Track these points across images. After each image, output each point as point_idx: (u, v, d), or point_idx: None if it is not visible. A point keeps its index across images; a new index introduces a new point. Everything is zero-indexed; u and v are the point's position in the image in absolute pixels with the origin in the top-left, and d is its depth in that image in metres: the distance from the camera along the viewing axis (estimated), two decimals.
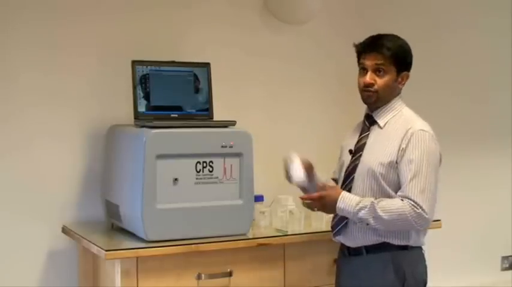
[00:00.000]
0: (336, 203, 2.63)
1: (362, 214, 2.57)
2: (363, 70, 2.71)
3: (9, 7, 3.05)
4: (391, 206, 2.55)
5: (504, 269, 4.38)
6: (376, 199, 2.60)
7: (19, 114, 3.09)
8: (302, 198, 2.73)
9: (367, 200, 2.59)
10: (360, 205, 2.58)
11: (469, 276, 4.06)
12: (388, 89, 2.68)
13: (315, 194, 2.68)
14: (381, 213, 2.54)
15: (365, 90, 2.69)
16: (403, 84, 2.73)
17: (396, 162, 2.61)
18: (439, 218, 3.21)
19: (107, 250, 2.65)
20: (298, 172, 2.73)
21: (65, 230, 3.09)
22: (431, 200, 2.57)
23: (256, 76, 3.55)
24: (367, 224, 2.59)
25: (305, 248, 3.00)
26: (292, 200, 3.19)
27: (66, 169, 3.17)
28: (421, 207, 2.53)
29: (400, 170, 2.60)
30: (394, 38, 2.71)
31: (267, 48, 3.57)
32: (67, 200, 3.17)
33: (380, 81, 2.67)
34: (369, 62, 2.68)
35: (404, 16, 3.91)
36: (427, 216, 2.54)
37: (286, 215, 3.11)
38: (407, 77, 2.72)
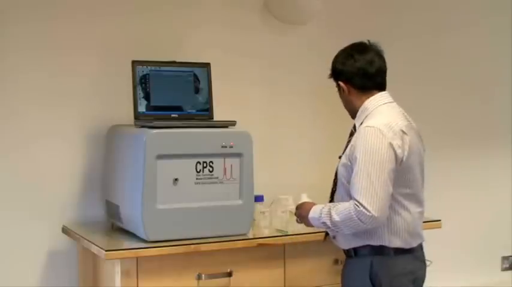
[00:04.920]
0: (308, 214, 2.68)
1: (322, 218, 2.60)
2: None
3: (9, 7, 3.05)
4: (341, 207, 2.56)
5: (504, 269, 4.38)
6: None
7: (19, 114, 3.09)
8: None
9: (328, 205, 2.64)
10: (322, 210, 2.62)
11: (469, 276, 4.06)
12: (343, 101, 2.76)
13: (298, 204, 2.80)
14: (334, 215, 2.56)
15: None
16: (348, 91, 2.69)
17: (350, 162, 2.61)
18: (439, 218, 3.22)
19: (107, 250, 2.65)
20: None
21: (65, 230, 3.09)
22: (375, 197, 2.49)
23: (257, 76, 3.55)
24: (333, 229, 2.62)
25: (305, 248, 3.00)
26: (292, 201, 3.19)
27: (66, 169, 3.17)
28: (362, 205, 2.48)
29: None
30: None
31: (267, 48, 3.57)
32: (67, 200, 3.17)
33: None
34: None
35: (404, 16, 3.91)
36: (369, 213, 2.48)
37: (286, 215, 3.11)
38: (344, 84, 2.70)
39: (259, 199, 3.07)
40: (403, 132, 2.59)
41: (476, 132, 4.21)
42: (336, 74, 2.73)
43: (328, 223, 2.58)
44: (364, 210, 2.48)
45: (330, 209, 2.59)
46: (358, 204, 2.49)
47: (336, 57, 2.75)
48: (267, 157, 3.40)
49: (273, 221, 3.13)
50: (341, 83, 2.71)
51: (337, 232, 2.64)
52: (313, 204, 2.72)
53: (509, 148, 4.35)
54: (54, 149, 3.15)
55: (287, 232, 3.01)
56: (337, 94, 2.82)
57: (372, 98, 2.69)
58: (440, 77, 4.07)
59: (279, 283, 2.96)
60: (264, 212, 3.10)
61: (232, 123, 2.91)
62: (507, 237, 4.33)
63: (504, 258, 4.38)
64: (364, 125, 2.60)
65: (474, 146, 4.19)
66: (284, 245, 2.97)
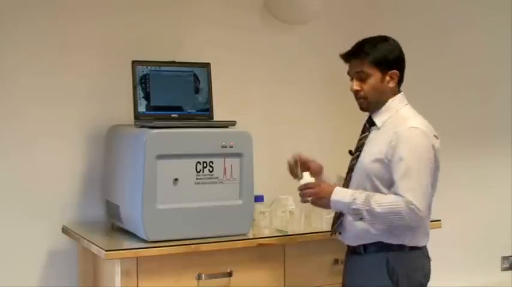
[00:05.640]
0: (330, 194, 2.63)
1: (356, 205, 2.57)
2: (351, 79, 2.74)
3: (9, 7, 3.05)
4: (385, 199, 2.55)
5: (504, 269, 4.39)
6: None
7: (19, 114, 3.09)
8: (300, 188, 2.72)
9: (362, 192, 2.61)
10: (355, 195, 2.59)
11: (469, 276, 4.06)
12: (377, 91, 2.69)
13: (312, 183, 2.71)
14: (374, 205, 2.54)
15: (356, 98, 2.73)
16: (395, 82, 2.70)
17: (387, 159, 2.61)
18: (439, 218, 3.21)
19: (107, 250, 2.65)
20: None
21: (65, 230, 3.09)
22: (424, 197, 2.54)
23: (257, 76, 3.55)
24: (361, 218, 2.59)
25: (305, 248, 3.00)
26: (292, 200, 3.19)
27: (66, 169, 3.17)
28: (413, 204, 2.51)
29: (392, 168, 2.59)
30: (375, 40, 2.71)
31: (267, 48, 3.57)
32: (67, 200, 3.17)
33: (365, 87, 2.69)
34: (350, 71, 2.73)
35: (404, 16, 3.91)
36: (420, 213, 2.52)
37: (286, 215, 3.11)
38: (397, 74, 2.70)
39: (259, 199, 3.07)
40: (435, 136, 2.66)
41: (476, 132, 4.21)
42: (393, 62, 2.70)
43: (364, 211, 2.55)
44: (416, 210, 2.51)
45: (367, 197, 2.57)
46: (410, 202, 2.51)
47: (389, 44, 2.71)
48: (267, 157, 3.40)
49: (273, 221, 3.13)
50: (395, 72, 2.69)
51: (360, 219, 2.59)
52: (331, 185, 2.69)
53: (509, 148, 4.35)
54: (54, 149, 3.15)
55: (287, 232, 3.01)
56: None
57: (395, 97, 2.72)
58: (440, 77, 4.07)
59: (279, 283, 2.96)
60: (264, 212, 3.10)
61: (232, 123, 2.91)
62: (507, 237, 4.33)
63: (504, 258, 4.38)
64: (407, 125, 2.61)
65: (474, 146, 4.19)
66: (284, 245, 2.96)
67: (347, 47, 2.76)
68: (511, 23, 4.31)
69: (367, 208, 2.55)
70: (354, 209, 2.58)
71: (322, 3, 3.59)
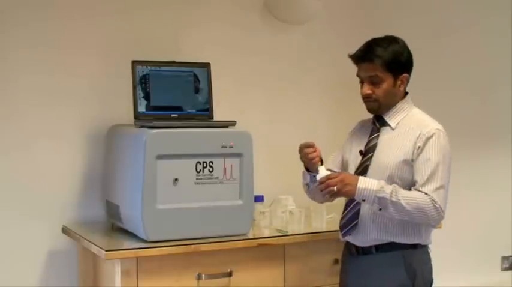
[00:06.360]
0: (356, 181, 2.59)
1: (384, 193, 2.55)
2: (361, 81, 2.72)
3: (9, 7, 3.05)
4: (412, 194, 2.57)
5: (504, 269, 4.39)
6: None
7: (19, 115, 3.09)
8: (321, 181, 2.63)
9: (387, 183, 2.59)
10: (381, 184, 2.58)
11: (469, 276, 4.06)
12: (389, 95, 2.69)
13: (333, 173, 2.66)
14: (401, 198, 2.55)
15: (366, 101, 2.71)
16: (404, 86, 2.72)
17: (412, 160, 2.62)
18: None
19: (107, 250, 2.65)
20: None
21: (65, 230, 3.09)
22: (446, 199, 2.60)
23: (257, 76, 3.55)
24: (380, 209, 2.58)
25: (305, 248, 3.00)
26: (292, 200, 3.20)
27: (66, 169, 3.17)
28: (438, 203, 2.55)
29: (416, 168, 2.61)
30: (386, 42, 2.69)
31: (267, 48, 3.57)
32: (67, 200, 3.17)
33: (378, 91, 2.68)
34: (362, 74, 2.70)
35: (404, 16, 3.91)
36: (442, 214, 2.57)
37: (286, 215, 3.11)
38: (407, 78, 2.72)
39: (259, 199, 3.07)
40: None
41: (476, 132, 4.21)
42: (404, 66, 2.70)
43: (389, 202, 2.55)
44: (440, 209, 2.55)
45: (395, 189, 2.56)
46: (435, 201, 2.54)
47: (400, 48, 2.70)
48: (267, 157, 3.40)
49: (273, 221, 3.13)
50: (406, 75, 2.70)
51: (380, 209, 2.58)
52: (352, 175, 2.67)
53: (509, 148, 4.35)
54: (54, 149, 3.15)
55: (287, 232, 3.01)
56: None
57: (406, 99, 2.74)
58: (440, 77, 4.07)
59: (279, 283, 2.96)
60: (264, 212, 3.11)
61: (232, 123, 2.91)
62: (507, 237, 4.33)
63: (504, 258, 4.38)
64: (432, 127, 2.64)
65: (474, 146, 4.19)
66: (284, 245, 2.96)
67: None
68: (511, 23, 4.32)
69: (394, 199, 2.55)
70: (380, 197, 2.56)
71: (322, 3, 3.59)
